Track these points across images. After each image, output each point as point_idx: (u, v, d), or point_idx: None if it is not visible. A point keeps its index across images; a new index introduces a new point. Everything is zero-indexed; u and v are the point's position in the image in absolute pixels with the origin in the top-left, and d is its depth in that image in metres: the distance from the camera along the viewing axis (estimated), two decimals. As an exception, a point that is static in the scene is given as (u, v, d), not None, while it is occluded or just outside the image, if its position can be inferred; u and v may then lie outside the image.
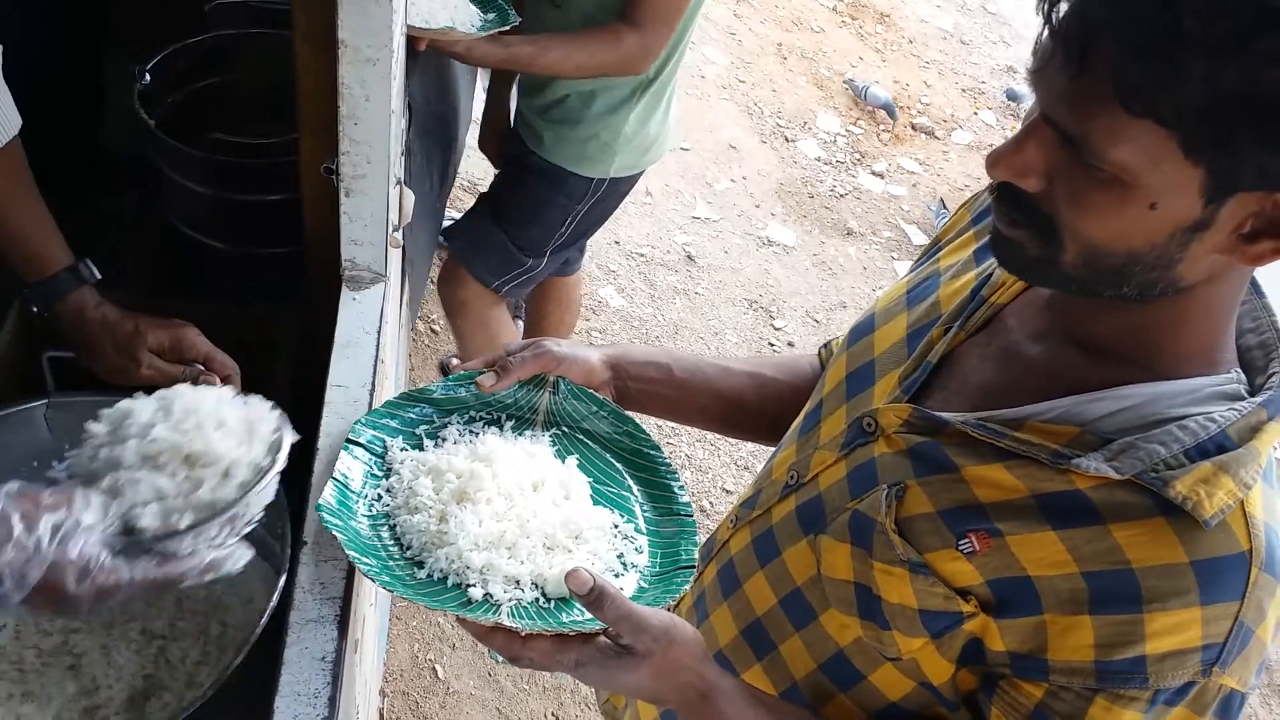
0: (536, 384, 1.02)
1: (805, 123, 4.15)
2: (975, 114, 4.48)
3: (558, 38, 1.74)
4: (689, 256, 3.38)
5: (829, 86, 4.38)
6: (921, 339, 0.86)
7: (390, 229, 1.20)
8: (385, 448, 0.96)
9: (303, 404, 1.10)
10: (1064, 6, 0.64)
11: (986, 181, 0.74)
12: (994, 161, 0.69)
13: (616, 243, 3.32)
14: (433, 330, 2.90)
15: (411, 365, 2.74)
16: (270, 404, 0.91)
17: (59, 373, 1.12)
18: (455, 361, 2.70)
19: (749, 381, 1.08)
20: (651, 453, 1.00)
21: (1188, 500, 0.67)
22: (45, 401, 1.10)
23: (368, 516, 0.90)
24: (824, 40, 4.67)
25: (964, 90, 4.61)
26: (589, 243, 2.36)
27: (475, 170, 3.22)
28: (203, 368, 1.11)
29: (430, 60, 1.74)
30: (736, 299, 3.28)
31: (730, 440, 2.80)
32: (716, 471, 2.76)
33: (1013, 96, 4.56)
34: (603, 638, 0.78)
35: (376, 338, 1.16)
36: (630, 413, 1.03)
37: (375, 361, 1.13)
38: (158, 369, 1.10)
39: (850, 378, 0.91)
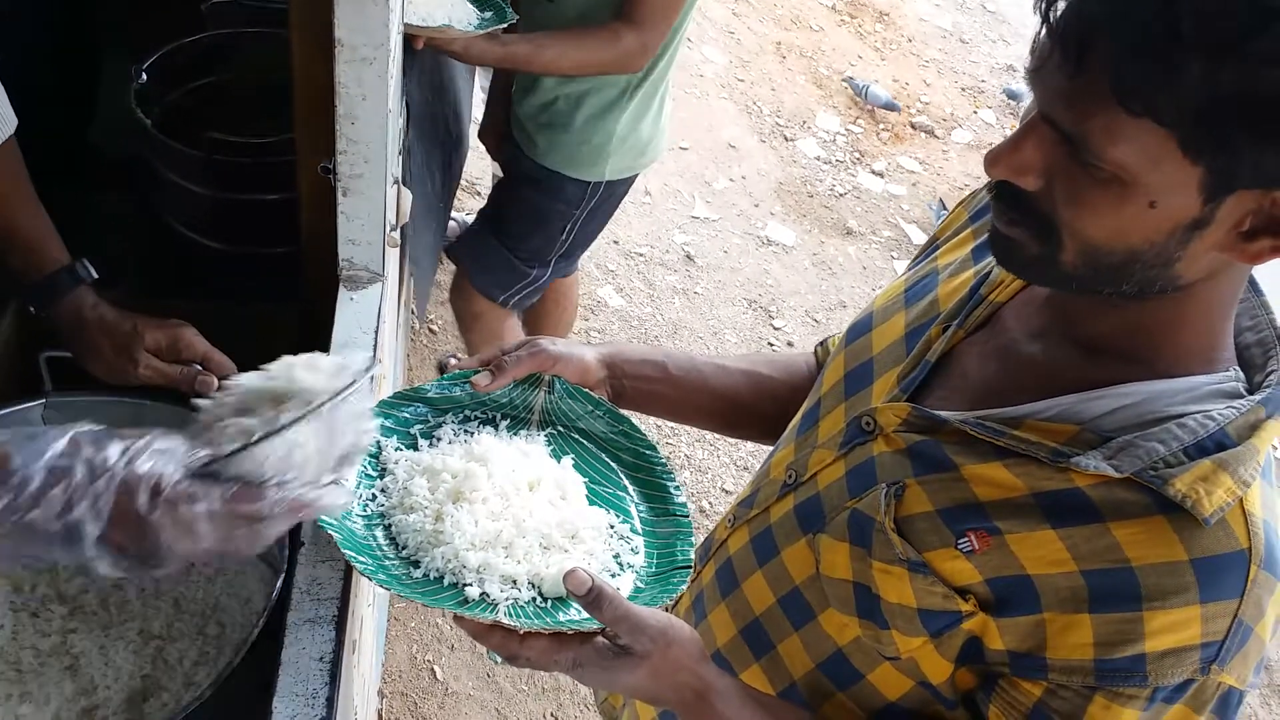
0: (532, 383, 1.01)
1: (804, 122, 4.15)
2: (975, 113, 4.48)
3: (555, 36, 1.73)
4: (688, 256, 3.38)
5: (828, 85, 4.38)
6: (920, 337, 0.86)
7: (388, 228, 1.20)
8: (380, 448, 0.96)
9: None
10: (1062, 6, 0.64)
11: (986, 180, 0.74)
12: (992, 160, 0.69)
13: (615, 242, 3.32)
14: (430, 330, 2.90)
15: (410, 365, 2.74)
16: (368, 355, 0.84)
17: (57, 373, 1.12)
18: (454, 360, 2.70)
19: (745, 380, 1.08)
20: (647, 452, 1.00)
21: (1187, 498, 0.67)
22: (43, 401, 1.10)
23: (362, 517, 0.90)
24: (823, 39, 4.67)
25: (963, 89, 4.61)
26: (587, 243, 2.36)
27: (474, 170, 3.22)
28: (200, 367, 1.11)
29: (428, 59, 1.74)
30: (736, 299, 3.28)
31: (729, 440, 2.80)
32: (716, 472, 2.76)
33: (1012, 95, 4.57)
34: (600, 638, 0.78)
35: (374, 337, 1.16)
36: (626, 412, 1.02)
37: (372, 361, 1.13)
38: (155, 369, 1.10)
39: (848, 376, 0.91)
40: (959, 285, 0.87)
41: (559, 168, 1.92)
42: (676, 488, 0.97)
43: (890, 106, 4.20)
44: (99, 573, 0.65)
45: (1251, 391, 0.73)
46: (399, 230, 1.28)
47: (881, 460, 0.82)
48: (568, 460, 0.98)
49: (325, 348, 1.13)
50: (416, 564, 0.87)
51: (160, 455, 0.67)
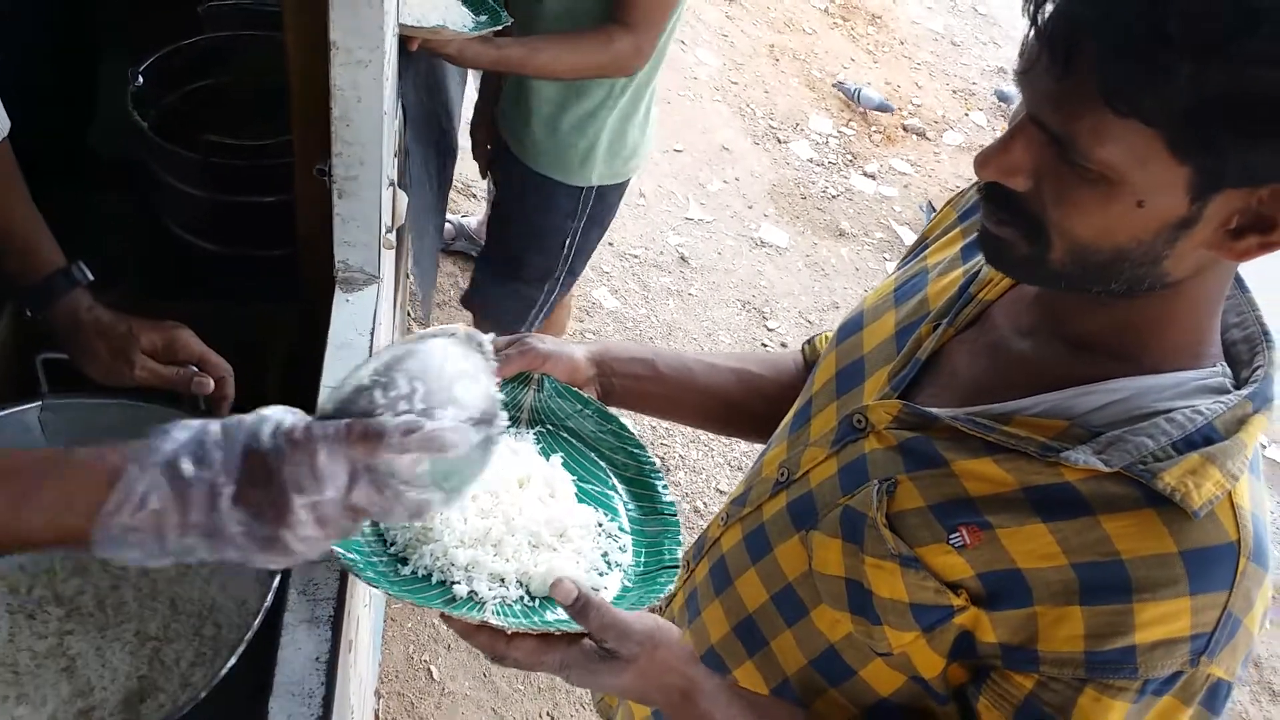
0: (521, 381, 1.01)
1: (797, 124, 4.16)
2: (966, 115, 4.50)
3: (549, 39, 1.74)
4: (682, 258, 3.39)
5: (821, 88, 4.39)
6: (910, 336, 0.87)
7: (383, 230, 1.21)
8: None
9: (296, 405, 1.10)
10: (1049, 8, 0.64)
11: (975, 181, 0.75)
12: (982, 162, 0.70)
13: (610, 244, 3.32)
14: (426, 332, 2.90)
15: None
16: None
17: (53, 375, 1.12)
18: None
19: (733, 378, 1.09)
20: (636, 451, 0.99)
21: (1176, 491, 0.68)
22: (39, 404, 1.10)
23: None
24: (816, 42, 4.69)
25: (955, 91, 4.63)
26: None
27: (470, 172, 3.22)
28: (196, 369, 1.11)
29: (422, 61, 1.74)
30: (729, 300, 3.29)
31: (724, 440, 2.80)
32: (710, 472, 2.76)
33: (1003, 97, 4.58)
34: (587, 640, 0.78)
35: (370, 339, 1.16)
36: (616, 410, 1.02)
37: (369, 362, 1.13)
38: (151, 370, 1.10)
39: (840, 375, 0.92)
40: (948, 284, 0.88)
41: (548, 171, 1.93)
42: (664, 487, 0.96)
43: (883, 108, 4.21)
44: (234, 548, 0.63)
45: (1238, 387, 0.73)
46: (395, 232, 1.28)
47: (873, 457, 0.83)
48: (556, 459, 0.98)
49: (321, 349, 1.14)
50: (405, 561, 0.86)
51: (279, 410, 0.67)
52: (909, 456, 0.80)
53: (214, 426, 0.65)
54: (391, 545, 0.88)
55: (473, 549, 0.86)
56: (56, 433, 1.10)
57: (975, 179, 0.75)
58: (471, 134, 2.23)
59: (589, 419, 1.01)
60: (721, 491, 2.72)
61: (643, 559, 0.91)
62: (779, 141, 4.05)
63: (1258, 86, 0.58)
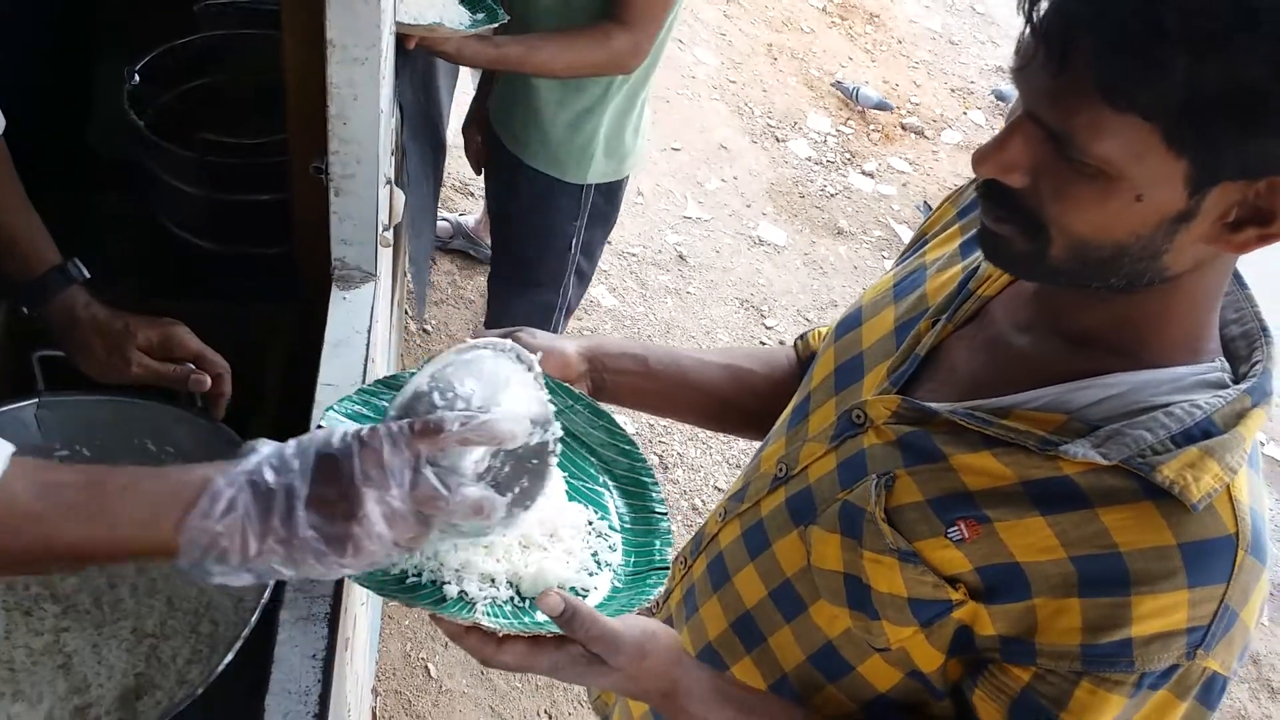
0: None
1: (795, 123, 4.17)
2: (964, 113, 4.50)
3: (546, 38, 1.74)
4: (680, 256, 3.39)
5: (819, 87, 4.40)
6: (909, 331, 0.87)
7: (380, 228, 1.21)
8: None
9: (293, 403, 1.10)
10: (1044, 5, 0.64)
11: (973, 178, 0.75)
12: (979, 159, 0.70)
13: (608, 242, 3.30)
14: (424, 331, 2.90)
15: (403, 365, 2.74)
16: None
17: (49, 372, 1.12)
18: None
19: (724, 374, 1.09)
20: (627, 448, 0.98)
21: (1175, 484, 0.68)
22: (36, 401, 1.10)
23: None
24: (814, 41, 4.69)
25: (953, 90, 4.63)
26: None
27: (467, 170, 3.22)
28: (193, 366, 1.11)
29: (416, 59, 1.74)
30: (728, 298, 3.29)
31: (722, 438, 2.80)
32: (709, 470, 2.76)
33: (1001, 96, 4.59)
34: (577, 645, 0.77)
35: (367, 337, 1.16)
36: (607, 407, 1.02)
37: (365, 361, 1.13)
38: (148, 367, 1.10)
39: (839, 371, 0.92)
40: (947, 280, 0.88)
41: (545, 168, 1.92)
42: (655, 485, 0.96)
43: (881, 106, 4.21)
44: (310, 553, 0.65)
45: (1237, 382, 0.73)
46: (391, 230, 1.28)
47: (872, 452, 0.83)
48: None
49: (318, 347, 1.14)
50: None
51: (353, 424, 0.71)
52: (908, 451, 0.80)
53: (292, 440, 0.69)
54: None
55: (464, 550, 0.86)
56: (53, 430, 1.10)
57: (973, 177, 0.75)
58: (464, 131, 2.22)
59: (580, 416, 1.00)
60: (720, 489, 2.72)
61: (633, 559, 0.90)
62: (777, 140, 4.06)
63: (1255, 81, 0.58)
